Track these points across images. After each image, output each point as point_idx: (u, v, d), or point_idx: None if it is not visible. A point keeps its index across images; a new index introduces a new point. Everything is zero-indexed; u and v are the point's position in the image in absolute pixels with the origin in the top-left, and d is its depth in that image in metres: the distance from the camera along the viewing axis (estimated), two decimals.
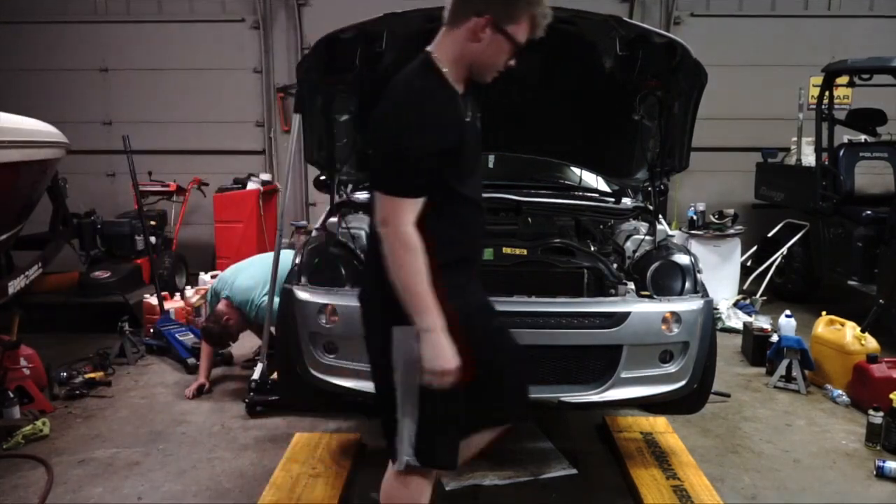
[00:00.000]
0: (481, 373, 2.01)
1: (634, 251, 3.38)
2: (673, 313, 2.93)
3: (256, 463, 3.43)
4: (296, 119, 3.62)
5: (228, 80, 7.94)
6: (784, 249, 6.44)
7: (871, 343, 4.32)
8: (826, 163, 6.06)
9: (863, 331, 4.37)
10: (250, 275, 4.27)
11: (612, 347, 2.91)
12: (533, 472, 3.28)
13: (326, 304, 2.93)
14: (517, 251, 3.08)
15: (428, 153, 1.84)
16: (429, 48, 1.99)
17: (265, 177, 7.45)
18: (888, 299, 4.79)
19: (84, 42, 7.91)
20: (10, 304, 4.38)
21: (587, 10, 3.08)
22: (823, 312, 4.68)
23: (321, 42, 3.08)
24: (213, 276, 5.92)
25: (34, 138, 4.20)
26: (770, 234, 6.73)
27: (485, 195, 3.66)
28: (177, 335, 5.01)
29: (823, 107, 6.05)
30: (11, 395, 3.85)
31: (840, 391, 4.24)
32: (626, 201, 4.05)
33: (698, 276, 3.13)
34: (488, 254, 3.05)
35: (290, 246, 5.32)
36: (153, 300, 5.52)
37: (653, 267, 3.13)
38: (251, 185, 7.16)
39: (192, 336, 5.02)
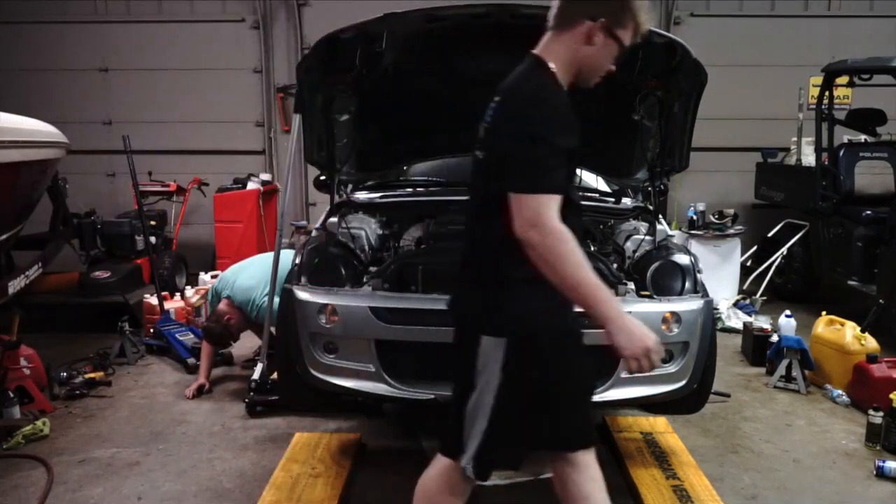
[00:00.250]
0: (569, 389, 2.00)
1: (634, 251, 3.38)
2: (673, 313, 2.93)
3: (256, 463, 3.43)
4: (296, 119, 3.62)
5: (228, 80, 7.94)
6: (784, 249, 6.44)
7: (871, 343, 4.32)
8: (826, 163, 6.06)
9: (863, 331, 4.37)
10: (251, 274, 4.27)
11: (612, 347, 2.90)
12: (533, 472, 3.27)
13: (326, 304, 2.93)
14: None
15: (563, 150, 1.84)
16: (535, 51, 2.00)
17: (265, 177, 7.46)
18: (888, 299, 4.79)
19: (84, 42, 7.92)
20: (10, 304, 4.37)
21: None
22: (823, 312, 4.68)
23: (321, 42, 3.08)
24: (213, 276, 5.92)
25: (34, 138, 4.20)
26: (770, 234, 6.73)
27: None
28: (177, 335, 5.01)
29: (823, 107, 6.05)
30: (11, 395, 3.85)
31: (840, 391, 4.24)
32: (626, 201, 4.05)
33: (698, 276, 3.13)
34: None
35: (290, 246, 5.32)
36: (153, 300, 5.52)
37: (653, 267, 3.13)
38: (251, 185, 7.17)
39: (192, 336, 5.02)
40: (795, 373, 4.41)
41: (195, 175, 7.33)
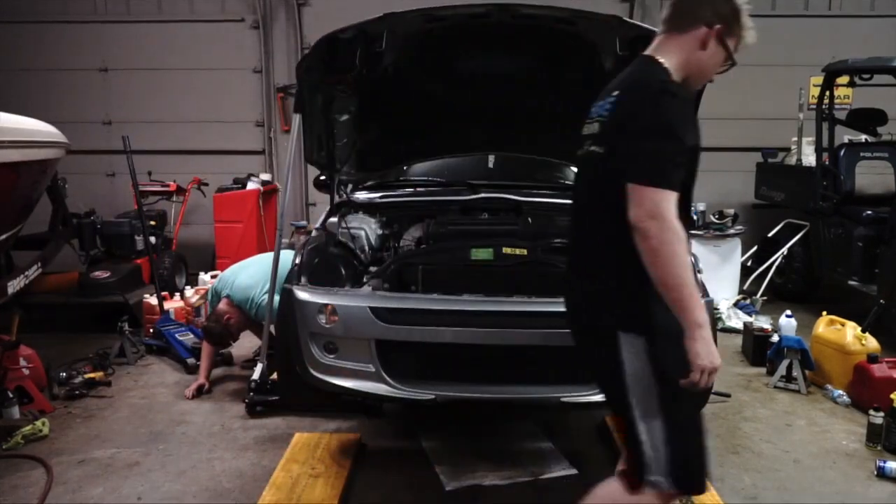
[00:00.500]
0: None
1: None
2: None
3: (256, 463, 3.42)
4: (296, 119, 3.62)
5: (228, 80, 7.94)
6: (784, 249, 6.44)
7: (872, 343, 4.31)
8: (826, 163, 6.05)
9: (863, 331, 4.36)
10: (251, 274, 4.28)
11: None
12: (533, 472, 3.27)
13: (326, 304, 2.93)
14: (517, 251, 3.07)
15: (688, 148, 1.87)
16: (649, 52, 2.03)
17: (265, 177, 7.45)
18: (888, 299, 4.79)
19: (84, 42, 7.91)
20: (10, 304, 4.38)
21: (587, 10, 3.09)
22: (824, 312, 4.67)
23: (321, 42, 3.08)
24: (213, 276, 5.92)
25: (34, 138, 4.19)
26: (770, 234, 6.73)
27: (485, 195, 3.72)
28: (177, 335, 5.01)
29: (824, 107, 6.05)
30: (11, 395, 3.85)
31: (840, 391, 4.24)
32: None
33: (698, 276, 3.13)
34: (488, 254, 3.05)
35: (290, 246, 5.32)
36: (153, 300, 5.52)
37: None
38: (251, 185, 7.16)
39: (192, 336, 5.02)
40: (796, 373, 4.41)
41: (195, 175, 7.33)
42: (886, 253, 5.18)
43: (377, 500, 3.10)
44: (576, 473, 3.29)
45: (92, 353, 4.84)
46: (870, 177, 5.96)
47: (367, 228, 3.59)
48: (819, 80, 6.22)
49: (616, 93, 1.98)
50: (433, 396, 2.90)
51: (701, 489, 2.00)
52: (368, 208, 3.81)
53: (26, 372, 4.06)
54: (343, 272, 3.12)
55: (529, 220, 3.45)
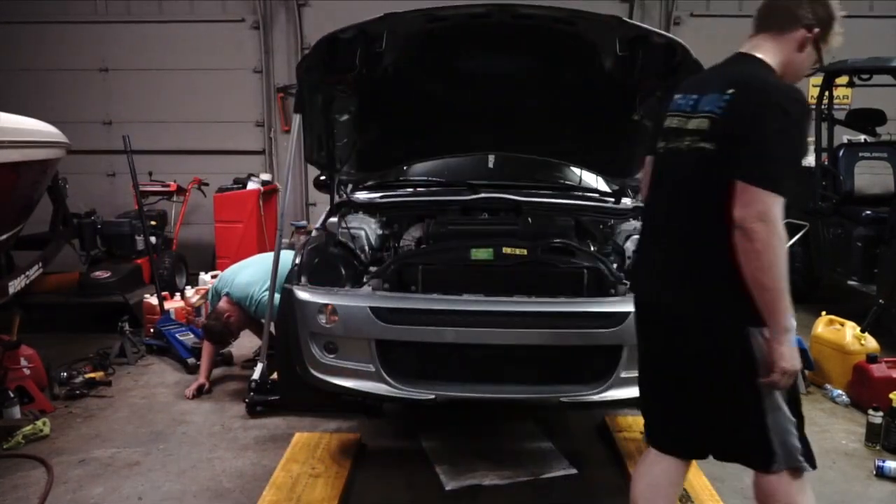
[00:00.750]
0: None
1: (634, 251, 3.38)
2: None
3: (256, 463, 3.43)
4: (296, 119, 3.62)
5: (228, 80, 7.94)
6: None
7: (871, 343, 4.32)
8: (826, 163, 6.05)
9: (863, 331, 4.37)
10: (251, 272, 4.29)
11: (612, 347, 2.91)
12: (533, 472, 3.28)
13: (326, 304, 2.93)
14: (517, 251, 3.08)
15: (802, 156, 1.91)
16: (750, 52, 2.04)
17: (265, 177, 7.46)
18: (888, 299, 4.79)
19: (84, 42, 7.92)
20: (10, 304, 4.38)
21: (587, 11, 3.09)
22: (823, 312, 4.68)
23: (321, 42, 3.08)
24: (213, 276, 5.92)
25: (34, 138, 4.20)
26: None
27: (485, 195, 3.72)
28: (177, 335, 5.01)
29: (823, 107, 6.05)
30: (12, 394, 3.85)
31: (840, 391, 4.24)
32: (626, 201, 4.05)
33: None
34: (488, 254, 3.05)
35: (290, 246, 5.33)
36: (153, 300, 5.52)
37: None
38: (251, 185, 7.17)
39: (192, 336, 5.02)
40: None
41: (195, 175, 7.33)
42: (886, 253, 5.18)
43: (377, 500, 3.10)
44: (576, 473, 3.29)
45: (92, 353, 4.84)
46: (869, 177, 5.96)
47: (367, 228, 3.59)
48: (818, 80, 6.22)
49: (731, 91, 1.95)
50: (433, 396, 2.90)
51: (815, 462, 2.07)
52: (368, 208, 3.81)
53: (27, 372, 4.07)
54: (343, 272, 3.12)
55: (529, 220, 3.45)
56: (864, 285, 5.48)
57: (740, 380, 1.98)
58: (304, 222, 7.21)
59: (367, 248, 3.50)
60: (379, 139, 4.01)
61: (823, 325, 4.55)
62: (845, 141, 6.42)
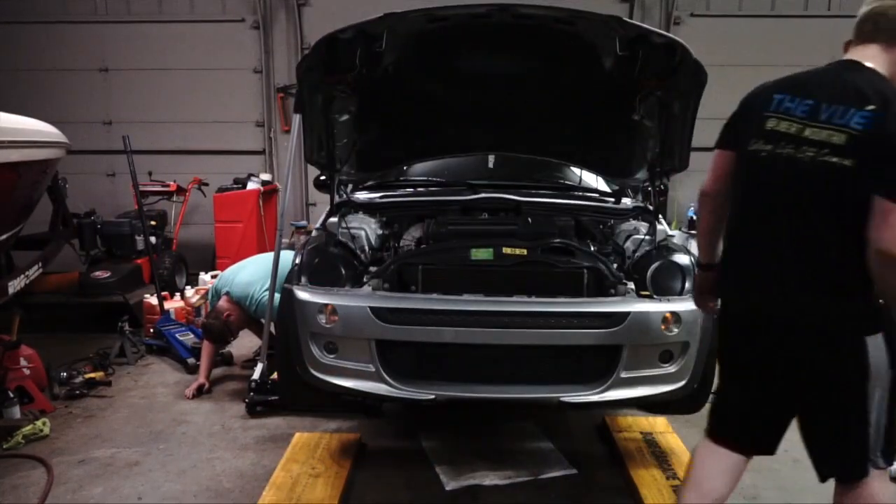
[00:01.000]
0: None
1: (634, 251, 3.38)
2: (673, 313, 2.93)
3: (256, 463, 3.43)
4: (296, 119, 3.62)
5: (228, 80, 7.94)
6: None
7: None
8: None
9: None
10: (251, 272, 4.30)
11: (612, 347, 2.92)
12: (533, 472, 3.28)
13: (326, 304, 2.93)
14: (517, 251, 3.08)
15: None
16: (860, 60, 2.04)
17: (265, 177, 7.46)
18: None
19: (84, 42, 7.92)
20: (10, 304, 4.37)
21: (587, 11, 3.09)
22: None
23: (321, 42, 3.08)
24: (213, 276, 5.92)
25: (34, 138, 4.19)
26: None
27: (485, 195, 3.72)
28: (177, 335, 5.01)
29: None
30: (11, 394, 3.85)
31: None
32: (626, 201, 4.05)
33: None
34: (488, 254, 3.05)
35: (290, 246, 5.33)
36: (153, 300, 5.52)
37: (653, 267, 3.13)
38: (251, 185, 7.17)
39: (192, 336, 5.03)
40: None
41: (195, 175, 7.33)
42: None
43: (377, 500, 3.10)
44: (576, 473, 3.29)
45: (92, 353, 4.84)
46: None
47: (367, 228, 3.59)
48: None
49: (872, 107, 1.89)
50: (433, 396, 2.90)
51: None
52: (368, 208, 3.81)
53: (27, 372, 4.07)
54: (343, 272, 3.12)
55: (529, 220, 3.45)
56: None
57: (850, 386, 2.01)
58: (304, 222, 7.22)
59: (367, 248, 3.50)
60: (379, 139, 4.01)
61: None
62: None
